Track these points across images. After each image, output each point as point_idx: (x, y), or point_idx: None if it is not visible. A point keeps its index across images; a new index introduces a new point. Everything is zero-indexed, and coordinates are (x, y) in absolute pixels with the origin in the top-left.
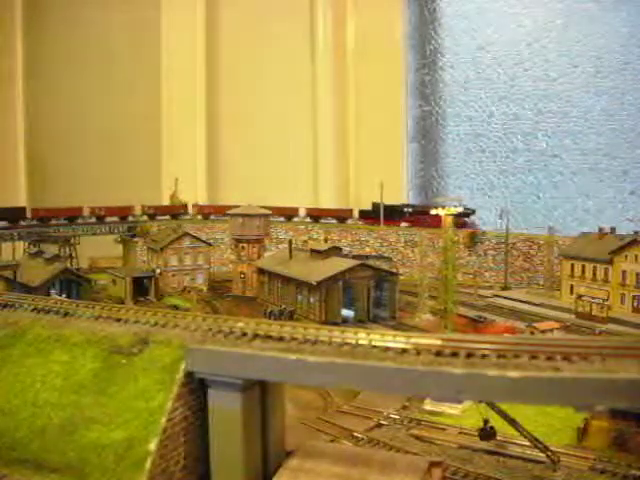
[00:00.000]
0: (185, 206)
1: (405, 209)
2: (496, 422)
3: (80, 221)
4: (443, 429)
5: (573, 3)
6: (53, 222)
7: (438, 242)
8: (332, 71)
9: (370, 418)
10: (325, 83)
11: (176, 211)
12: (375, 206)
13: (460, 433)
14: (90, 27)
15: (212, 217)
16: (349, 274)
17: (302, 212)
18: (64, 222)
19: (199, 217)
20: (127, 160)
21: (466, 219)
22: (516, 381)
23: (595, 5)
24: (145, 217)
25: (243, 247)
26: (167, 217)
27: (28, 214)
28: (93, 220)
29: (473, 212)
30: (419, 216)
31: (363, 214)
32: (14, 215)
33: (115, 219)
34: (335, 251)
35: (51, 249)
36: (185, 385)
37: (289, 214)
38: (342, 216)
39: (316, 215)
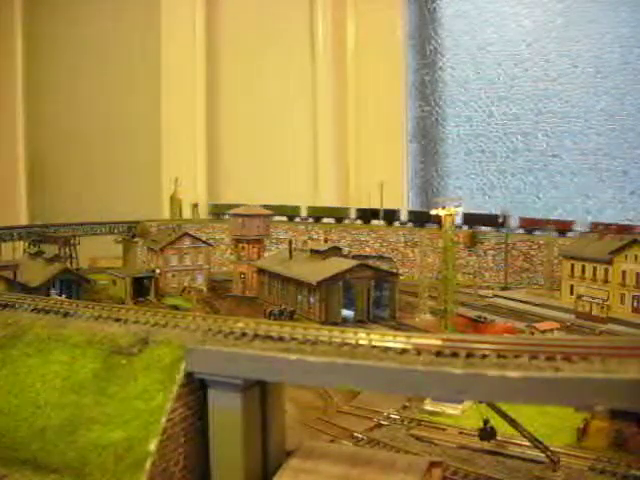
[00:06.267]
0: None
1: None
2: (496, 422)
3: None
4: (443, 429)
5: (573, 3)
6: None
7: (438, 242)
8: (332, 71)
9: (370, 418)
10: (325, 83)
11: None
12: None
13: (460, 433)
14: (89, 27)
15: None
16: (349, 274)
17: (403, 216)
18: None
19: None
20: (127, 160)
21: None
22: (516, 381)
23: (595, 5)
24: None
25: (243, 247)
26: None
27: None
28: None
29: None
30: None
31: None
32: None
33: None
34: (335, 251)
35: (51, 249)
36: (185, 385)
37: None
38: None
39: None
